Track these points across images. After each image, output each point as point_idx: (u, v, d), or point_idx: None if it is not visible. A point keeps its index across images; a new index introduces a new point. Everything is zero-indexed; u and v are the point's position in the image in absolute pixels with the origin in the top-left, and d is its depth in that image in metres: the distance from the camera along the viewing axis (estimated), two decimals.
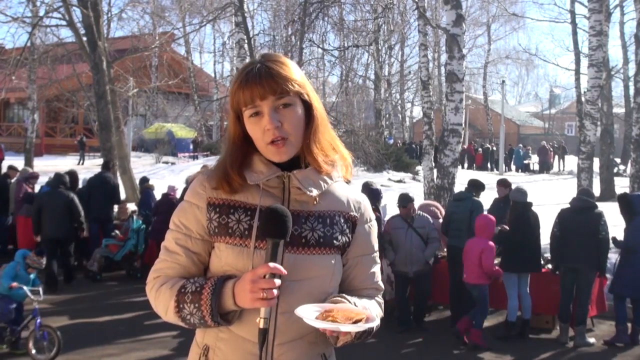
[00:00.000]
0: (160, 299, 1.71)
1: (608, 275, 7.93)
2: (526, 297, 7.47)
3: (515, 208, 7.65)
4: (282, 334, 1.67)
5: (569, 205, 7.67)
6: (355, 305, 1.67)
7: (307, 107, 1.73)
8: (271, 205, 1.65)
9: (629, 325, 7.44)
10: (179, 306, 1.66)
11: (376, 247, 1.87)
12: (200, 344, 1.76)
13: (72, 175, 10.58)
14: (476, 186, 8.42)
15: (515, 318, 7.40)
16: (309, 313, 1.58)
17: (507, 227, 7.70)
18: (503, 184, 9.18)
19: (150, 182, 11.65)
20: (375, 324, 1.58)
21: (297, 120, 1.69)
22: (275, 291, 1.55)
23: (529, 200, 7.71)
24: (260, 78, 1.65)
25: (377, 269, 1.87)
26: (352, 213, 1.80)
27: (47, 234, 9.21)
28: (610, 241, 7.57)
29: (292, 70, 1.70)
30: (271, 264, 1.56)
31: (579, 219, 7.33)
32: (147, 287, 1.78)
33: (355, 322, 1.56)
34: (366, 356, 6.52)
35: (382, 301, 1.88)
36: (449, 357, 6.96)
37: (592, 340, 7.41)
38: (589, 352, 7.15)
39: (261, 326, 1.58)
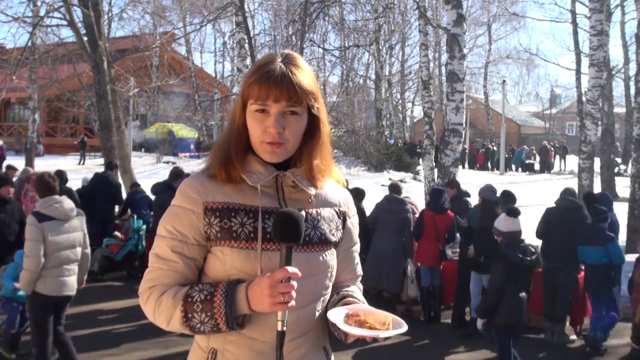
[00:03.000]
0: (162, 309, 1.67)
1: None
2: None
3: (486, 206, 7.58)
4: (291, 331, 1.66)
5: (554, 205, 7.70)
6: (365, 304, 1.74)
7: (312, 118, 1.73)
8: (285, 209, 1.65)
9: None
10: (187, 315, 1.63)
11: (357, 238, 1.94)
12: (206, 348, 1.72)
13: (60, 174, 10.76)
14: (508, 197, 8.43)
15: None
16: (339, 318, 1.61)
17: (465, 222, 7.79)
18: (451, 185, 9.28)
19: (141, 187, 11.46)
20: (405, 328, 1.62)
21: (299, 130, 1.70)
22: (293, 294, 1.56)
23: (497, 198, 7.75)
24: (282, 81, 1.64)
25: (358, 258, 1.95)
26: (342, 208, 1.86)
27: None
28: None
29: (311, 80, 1.70)
30: (289, 269, 1.55)
31: (565, 219, 7.35)
32: (141, 297, 1.73)
33: (387, 324, 1.61)
34: (371, 357, 6.52)
35: (361, 286, 1.96)
36: (450, 357, 6.96)
37: (572, 337, 7.50)
38: (589, 351, 7.15)
39: (279, 329, 1.58)
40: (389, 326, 1.60)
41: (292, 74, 1.65)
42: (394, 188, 8.38)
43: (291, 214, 1.60)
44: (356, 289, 1.89)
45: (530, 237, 7.78)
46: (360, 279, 1.96)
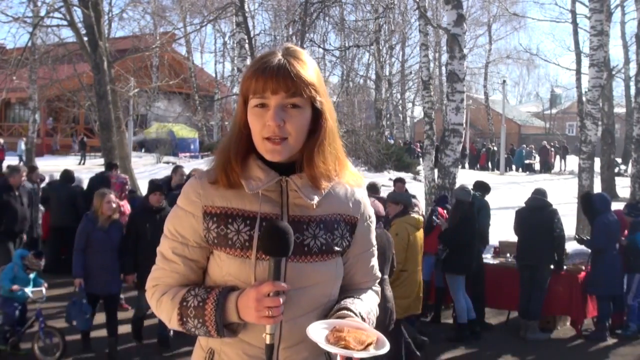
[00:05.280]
0: (162, 308, 1.69)
1: None
2: (467, 299, 7.47)
3: (459, 208, 7.55)
4: (287, 339, 1.65)
5: (524, 205, 7.83)
6: (361, 316, 1.67)
7: (317, 113, 1.66)
8: (272, 222, 1.60)
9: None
10: (182, 319, 1.64)
11: (374, 241, 1.86)
12: (205, 347, 1.74)
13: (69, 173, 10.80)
14: (482, 187, 8.48)
15: (465, 320, 7.35)
16: (319, 333, 1.56)
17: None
18: (400, 181, 9.79)
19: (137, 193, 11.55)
20: (386, 349, 1.57)
21: (301, 124, 1.63)
22: (280, 309, 1.53)
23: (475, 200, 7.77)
24: (277, 72, 1.58)
25: (375, 261, 1.87)
26: (352, 214, 1.77)
27: (52, 223, 10.19)
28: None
29: (312, 72, 1.63)
30: (275, 283, 1.53)
31: (534, 217, 7.53)
32: (147, 294, 1.76)
33: (367, 345, 1.56)
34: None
35: (378, 289, 1.90)
36: (450, 357, 6.96)
37: (544, 335, 7.57)
38: (591, 350, 7.15)
39: (267, 342, 1.57)
40: (369, 347, 1.55)
41: (290, 64, 1.59)
42: (372, 188, 8.33)
43: (278, 227, 1.55)
44: (371, 294, 1.84)
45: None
46: (377, 281, 1.89)
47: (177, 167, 10.02)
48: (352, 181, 1.79)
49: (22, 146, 27.38)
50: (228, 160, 1.67)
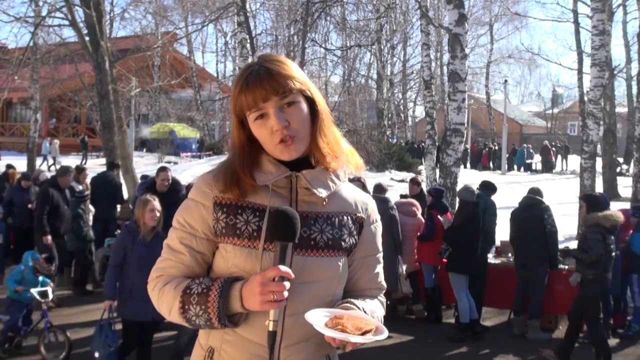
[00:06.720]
0: (164, 298, 1.69)
1: None
2: (470, 298, 7.47)
3: (464, 208, 7.56)
4: (289, 336, 1.66)
5: (518, 205, 7.87)
6: (363, 310, 1.67)
7: (311, 102, 1.71)
8: (279, 207, 1.63)
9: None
10: (184, 307, 1.64)
11: (380, 247, 1.87)
12: (205, 346, 1.74)
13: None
14: (488, 187, 8.47)
15: (467, 319, 7.36)
16: (318, 319, 1.56)
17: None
18: (415, 182, 9.74)
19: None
20: (384, 336, 1.58)
21: (303, 117, 1.67)
22: (285, 293, 1.54)
23: (476, 199, 7.75)
24: (260, 80, 1.62)
25: (380, 268, 1.87)
26: (359, 214, 1.80)
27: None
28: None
29: (291, 67, 1.68)
30: (281, 267, 1.54)
31: (526, 216, 7.60)
32: (149, 285, 1.76)
33: (365, 332, 1.55)
34: (372, 355, 6.52)
35: (384, 300, 1.90)
36: (452, 357, 6.96)
37: (546, 335, 7.56)
38: (593, 350, 7.14)
39: (270, 329, 1.56)
40: (367, 334, 1.55)
41: (267, 68, 1.64)
42: (378, 189, 8.30)
43: (285, 211, 1.59)
44: (377, 302, 1.82)
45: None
46: (383, 291, 1.89)
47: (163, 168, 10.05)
48: (355, 166, 1.81)
49: (47, 145, 27.44)
50: (236, 175, 1.68)
